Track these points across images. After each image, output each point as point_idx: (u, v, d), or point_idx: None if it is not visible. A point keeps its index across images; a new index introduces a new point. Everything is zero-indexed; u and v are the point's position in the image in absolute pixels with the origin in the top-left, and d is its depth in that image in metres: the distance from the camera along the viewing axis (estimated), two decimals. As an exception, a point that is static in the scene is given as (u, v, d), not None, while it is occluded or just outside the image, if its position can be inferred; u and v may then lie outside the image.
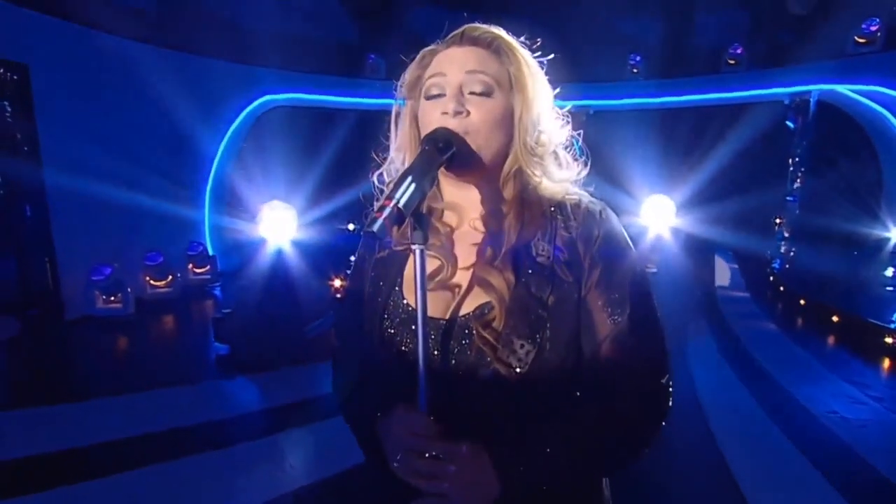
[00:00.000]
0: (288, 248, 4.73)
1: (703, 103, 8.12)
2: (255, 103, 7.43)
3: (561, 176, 0.96)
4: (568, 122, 1.00)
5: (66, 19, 5.14)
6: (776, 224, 7.59)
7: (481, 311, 0.89)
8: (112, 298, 5.31)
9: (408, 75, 0.96)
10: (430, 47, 0.95)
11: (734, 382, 4.05)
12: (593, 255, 0.90)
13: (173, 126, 5.90)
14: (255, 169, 6.96)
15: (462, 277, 0.93)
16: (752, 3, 7.79)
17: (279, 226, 4.64)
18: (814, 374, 4.16)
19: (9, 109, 5.08)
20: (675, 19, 8.04)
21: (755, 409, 3.57)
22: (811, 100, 7.28)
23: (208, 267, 6.67)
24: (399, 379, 0.91)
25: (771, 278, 6.81)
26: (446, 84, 0.89)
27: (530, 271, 0.89)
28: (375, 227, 0.70)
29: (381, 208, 0.72)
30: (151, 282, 5.95)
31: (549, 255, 0.90)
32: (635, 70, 8.53)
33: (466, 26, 0.93)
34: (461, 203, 0.96)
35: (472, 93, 0.89)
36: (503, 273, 0.89)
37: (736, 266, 7.47)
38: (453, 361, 0.89)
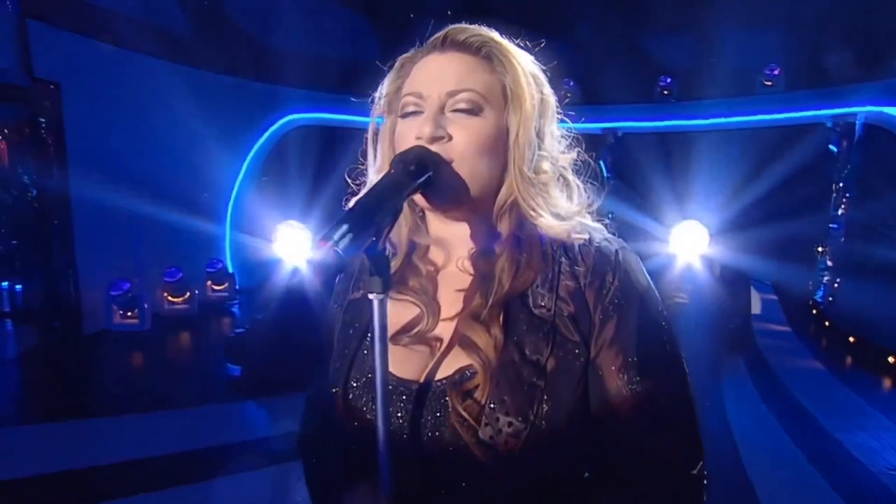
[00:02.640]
0: (304, 269, 4.64)
1: (737, 126, 7.81)
2: (280, 122, 7.53)
3: (568, 208, 0.78)
4: (579, 143, 0.83)
5: (97, 39, 5.32)
6: (818, 253, 7.13)
7: (460, 377, 0.71)
8: (129, 314, 5.33)
9: (386, 87, 0.81)
10: (408, 53, 0.80)
11: (775, 427, 3.69)
12: (606, 306, 0.71)
13: (198, 144, 5.98)
14: (276, 188, 7.00)
15: (444, 330, 0.75)
16: (790, 22, 7.50)
17: (295, 246, 4.56)
18: (868, 422, 3.76)
19: (43, 126, 5.26)
20: (708, 39, 7.81)
21: (800, 459, 3.23)
22: (857, 122, 6.89)
23: (227, 284, 6.67)
24: (363, 452, 0.74)
25: (814, 311, 6.37)
26: (424, 104, 0.72)
27: (525, 327, 0.71)
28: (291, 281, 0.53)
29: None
30: (169, 298, 5.97)
31: (551, 306, 0.72)
32: (666, 92, 8.31)
33: (450, 28, 0.75)
34: (449, 238, 0.79)
35: (456, 110, 0.72)
36: (490, 329, 0.71)
37: (775, 297, 7.04)
38: (426, 437, 0.72)
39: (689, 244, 5.74)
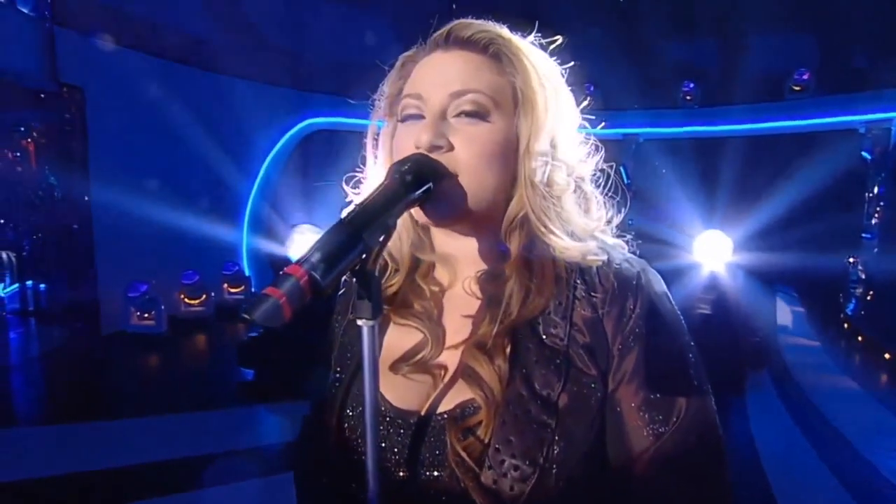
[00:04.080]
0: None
1: (764, 132, 7.57)
2: (299, 126, 7.58)
3: (585, 225, 0.70)
4: (599, 151, 0.75)
5: (121, 44, 5.43)
6: (850, 264, 6.84)
7: (462, 412, 0.65)
8: (146, 315, 5.38)
9: (387, 87, 0.74)
10: (410, 52, 0.73)
11: (806, 449, 3.51)
12: (626, 336, 0.64)
13: (218, 148, 6.05)
14: (293, 192, 7.03)
15: (449, 359, 0.68)
16: (820, 24, 7.25)
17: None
18: (907, 447, 3.54)
19: (68, 129, 5.38)
20: (733, 43, 7.61)
21: (832, 484, 3.05)
22: (892, 128, 6.61)
23: (243, 287, 6.72)
24: (358, 488, 0.68)
25: (846, 325, 6.10)
26: (425, 107, 0.66)
27: (535, 359, 0.64)
28: (257, 315, 0.45)
29: (283, 279, 0.47)
30: (186, 300, 6.02)
31: (564, 336, 0.64)
32: (689, 97, 8.13)
33: (454, 23, 0.68)
34: (455, 255, 0.72)
35: (459, 115, 0.65)
36: (495, 360, 0.65)
37: (802, 310, 6.77)
38: (423, 476, 0.65)
39: (712, 253, 5.57)
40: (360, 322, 0.57)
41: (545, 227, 0.67)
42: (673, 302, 0.70)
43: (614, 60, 7.35)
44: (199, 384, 4.65)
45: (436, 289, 0.74)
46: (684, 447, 0.64)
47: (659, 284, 0.69)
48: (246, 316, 0.45)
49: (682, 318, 0.70)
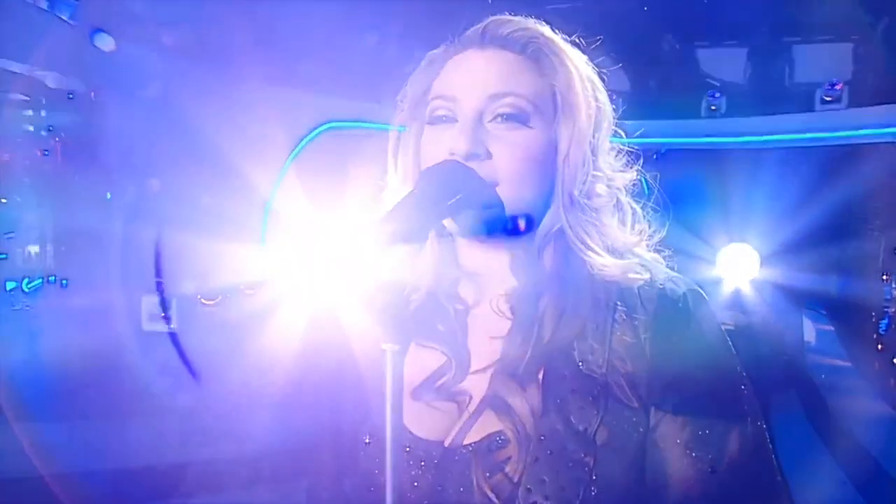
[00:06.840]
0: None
1: (793, 145, 7.36)
2: (318, 130, 7.62)
3: (625, 240, 0.65)
4: (638, 161, 0.71)
5: (146, 48, 5.55)
6: (884, 281, 6.60)
7: (489, 445, 0.59)
8: (161, 315, 5.43)
9: (411, 87, 0.70)
10: (439, 49, 0.69)
11: (836, 476, 3.35)
12: (671, 364, 0.59)
13: (238, 149, 6.10)
14: (313, 195, 7.05)
15: (475, 384, 0.64)
16: (854, 33, 7.04)
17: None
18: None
19: (93, 130, 5.51)
20: (762, 50, 7.43)
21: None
22: (931, 142, 6.37)
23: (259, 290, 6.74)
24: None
25: (879, 346, 5.86)
26: (458, 110, 0.61)
27: (571, 389, 0.59)
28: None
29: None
30: (201, 301, 6.06)
31: (603, 363, 0.59)
32: (714, 107, 7.97)
33: (491, 19, 0.64)
34: (482, 272, 0.68)
35: (495, 119, 0.60)
36: (527, 389, 0.59)
37: (831, 328, 6.54)
38: None
39: (737, 267, 5.43)
40: (383, 346, 0.52)
41: (582, 242, 0.61)
42: (720, 325, 0.64)
43: (632, 66, 7.24)
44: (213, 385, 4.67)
45: (460, 307, 0.69)
46: (737, 489, 0.59)
47: (707, 306, 0.64)
48: None
49: (730, 343, 0.64)
